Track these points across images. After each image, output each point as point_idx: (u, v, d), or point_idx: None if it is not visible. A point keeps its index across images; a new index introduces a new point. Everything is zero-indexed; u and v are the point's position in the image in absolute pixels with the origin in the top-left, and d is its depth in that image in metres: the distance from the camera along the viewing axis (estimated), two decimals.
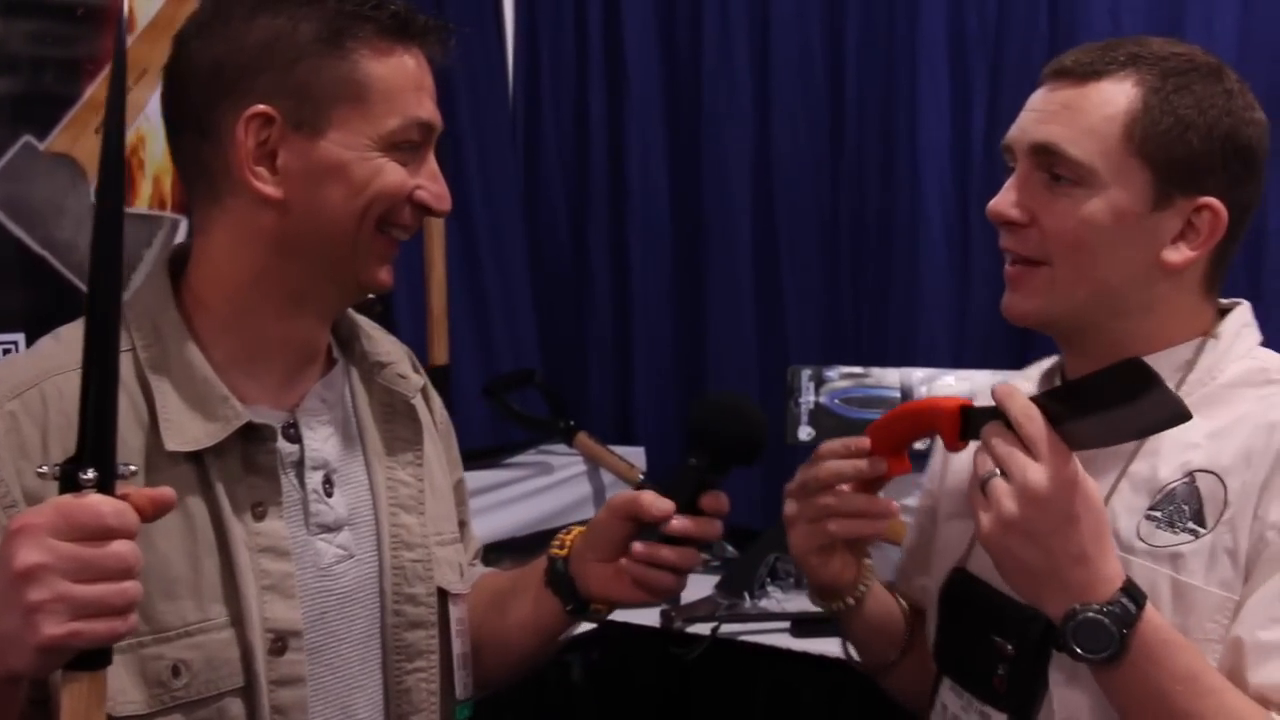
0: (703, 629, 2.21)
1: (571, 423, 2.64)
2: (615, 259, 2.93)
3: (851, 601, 1.22)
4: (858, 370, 2.52)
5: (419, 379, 1.22)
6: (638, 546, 1.17)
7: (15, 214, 1.88)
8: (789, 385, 2.51)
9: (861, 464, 1.12)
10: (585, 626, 2.17)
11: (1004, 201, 1.11)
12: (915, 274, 2.58)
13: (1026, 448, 0.98)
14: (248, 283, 1.08)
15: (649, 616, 2.29)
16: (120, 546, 0.83)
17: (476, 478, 2.45)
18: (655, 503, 1.17)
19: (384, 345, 1.21)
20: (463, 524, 1.31)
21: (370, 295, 1.10)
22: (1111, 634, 0.97)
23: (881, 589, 1.26)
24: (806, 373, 2.50)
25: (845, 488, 1.14)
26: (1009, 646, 1.07)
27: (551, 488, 2.57)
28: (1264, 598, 1.00)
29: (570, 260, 2.98)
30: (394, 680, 1.13)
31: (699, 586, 2.39)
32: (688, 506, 1.17)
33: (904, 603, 1.29)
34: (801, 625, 2.18)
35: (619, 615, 2.21)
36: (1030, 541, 0.97)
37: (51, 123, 1.89)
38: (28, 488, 0.99)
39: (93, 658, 0.83)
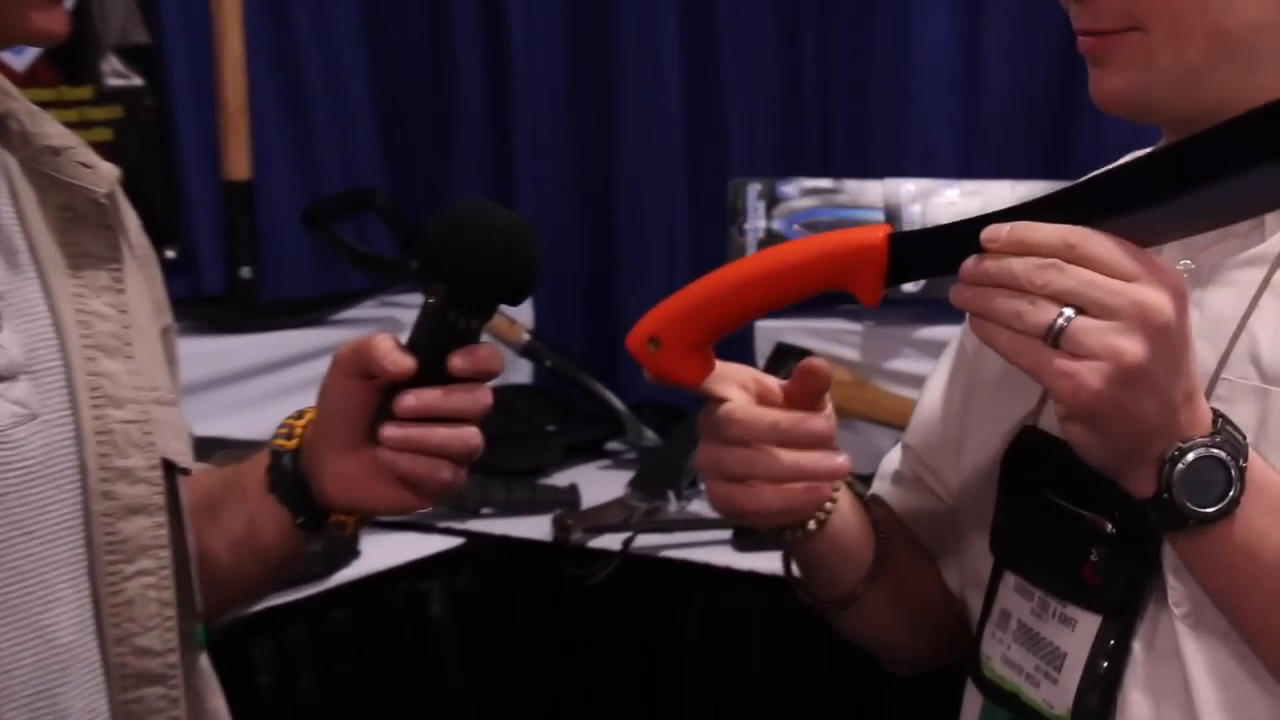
0: (611, 542, 2.24)
1: None
2: (488, 29, 2.93)
3: (812, 526, 1.20)
4: (826, 184, 2.55)
5: (111, 169, 1.18)
6: (389, 429, 1.16)
7: None
8: (730, 205, 2.53)
9: (783, 420, 1.11)
10: (416, 546, 2.25)
11: None
12: (905, 43, 2.59)
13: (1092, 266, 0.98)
14: None
15: (535, 527, 2.30)
16: None
17: (294, 340, 2.52)
18: (389, 355, 1.14)
19: (53, 125, 1.17)
20: None
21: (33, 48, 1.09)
22: (1226, 469, 1.00)
23: (850, 500, 1.24)
24: (755, 187, 2.53)
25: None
26: (1107, 524, 1.10)
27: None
28: None
29: (425, 30, 2.97)
30: (107, 587, 1.11)
31: (605, 484, 2.41)
32: (434, 366, 1.15)
33: (879, 513, 1.29)
34: (746, 535, 2.19)
35: (493, 525, 2.35)
36: (1152, 390, 0.98)
37: None
38: None
39: None
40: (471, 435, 1.17)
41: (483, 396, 1.17)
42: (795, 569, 1.28)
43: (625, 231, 2.88)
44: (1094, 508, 1.10)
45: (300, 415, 1.23)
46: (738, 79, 2.77)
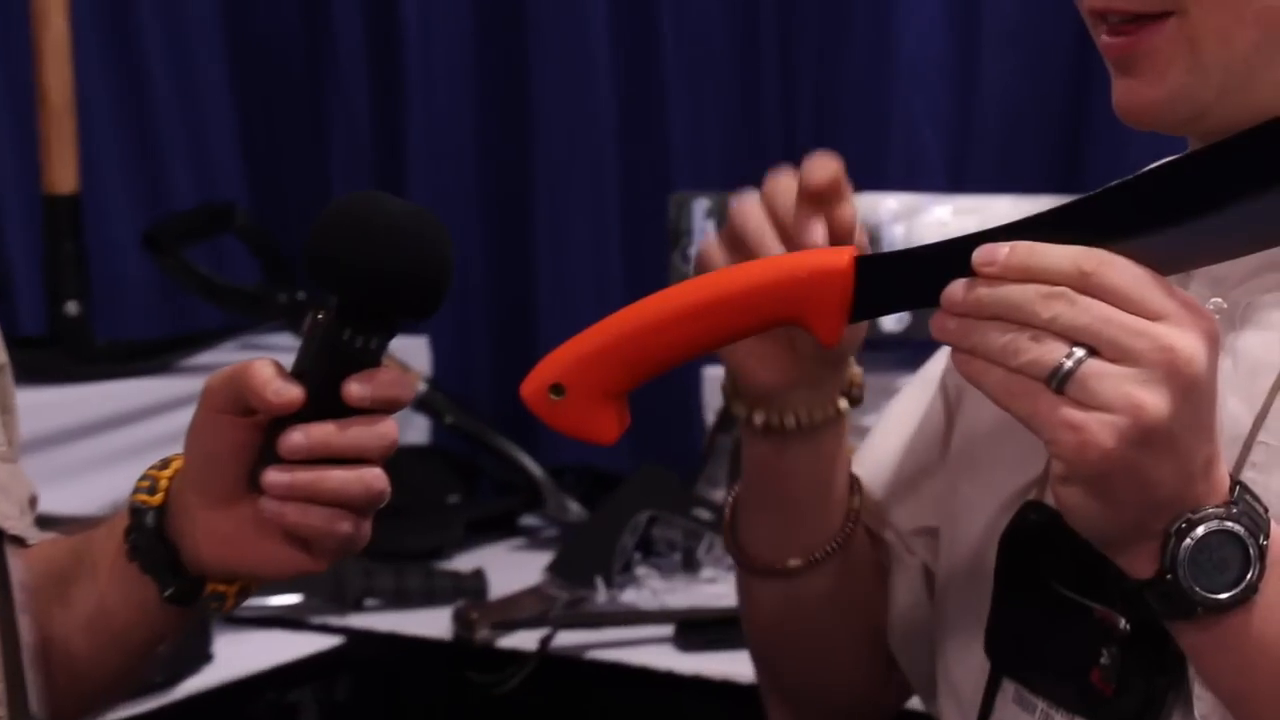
0: (526, 641, 2.22)
1: (301, 295, 2.64)
2: (375, 9, 2.94)
3: (774, 421, 1.23)
4: None
5: None
6: (273, 474, 1.15)
7: None
8: (672, 225, 2.52)
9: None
10: (283, 646, 2.24)
11: None
12: (885, 28, 2.63)
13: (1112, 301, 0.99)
14: None
15: (431, 622, 2.29)
16: None
17: (133, 391, 2.49)
18: (271, 384, 1.13)
19: None
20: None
21: None
22: (1243, 546, 1.01)
23: (846, 429, 1.28)
24: (702, 204, 2.50)
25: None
26: (1120, 620, 1.10)
27: None
28: None
29: (297, 10, 2.98)
30: None
31: (518, 569, 2.42)
32: (326, 395, 1.14)
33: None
34: (691, 631, 2.20)
35: (379, 620, 2.34)
36: (1171, 453, 0.99)
37: None
38: None
39: None
40: (374, 478, 1.16)
41: (386, 430, 1.16)
42: (738, 511, 1.31)
43: (544, 258, 2.87)
44: (1105, 599, 1.11)
45: (165, 464, 1.23)
46: (682, 71, 2.80)
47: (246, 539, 1.19)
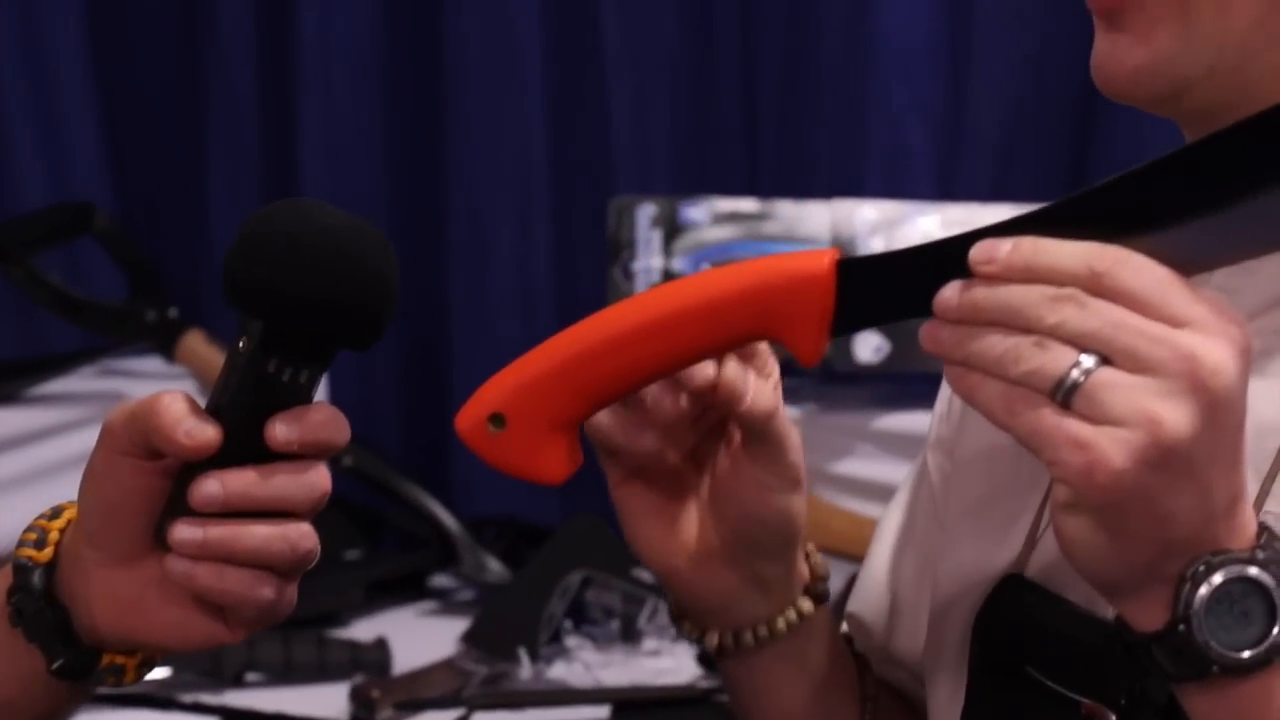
0: None
1: (173, 312, 2.66)
2: None
3: (728, 641, 1.25)
4: (749, 206, 2.60)
5: None
6: (182, 529, 1.14)
7: None
8: (611, 235, 2.57)
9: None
10: None
11: None
12: (864, 9, 2.65)
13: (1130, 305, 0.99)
14: None
15: (325, 700, 2.28)
16: None
17: None
18: (182, 423, 1.13)
19: None
20: None
21: None
22: (1269, 598, 1.00)
23: (827, 619, 1.29)
24: (647, 211, 2.56)
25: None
26: (1110, 715, 1.10)
27: None
28: None
29: None
30: None
31: (428, 638, 2.42)
32: (247, 437, 1.13)
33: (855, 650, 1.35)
34: (630, 713, 2.18)
35: (262, 698, 2.30)
36: (1190, 479, 0.98)
37: None
38: None
39: None
40: (301, 535, 1.15)
41: (317, 479, 1.16)
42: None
43: (460, 274, 2.90)
44: (1092, 691, 1.11)
45: (56, 514, 1.23)
46: (623, 54, 2.83)
47: (150, 603, 1.18)
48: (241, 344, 1.13)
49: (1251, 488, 1.09)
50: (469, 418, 1.10)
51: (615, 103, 2.80)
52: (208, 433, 1.13)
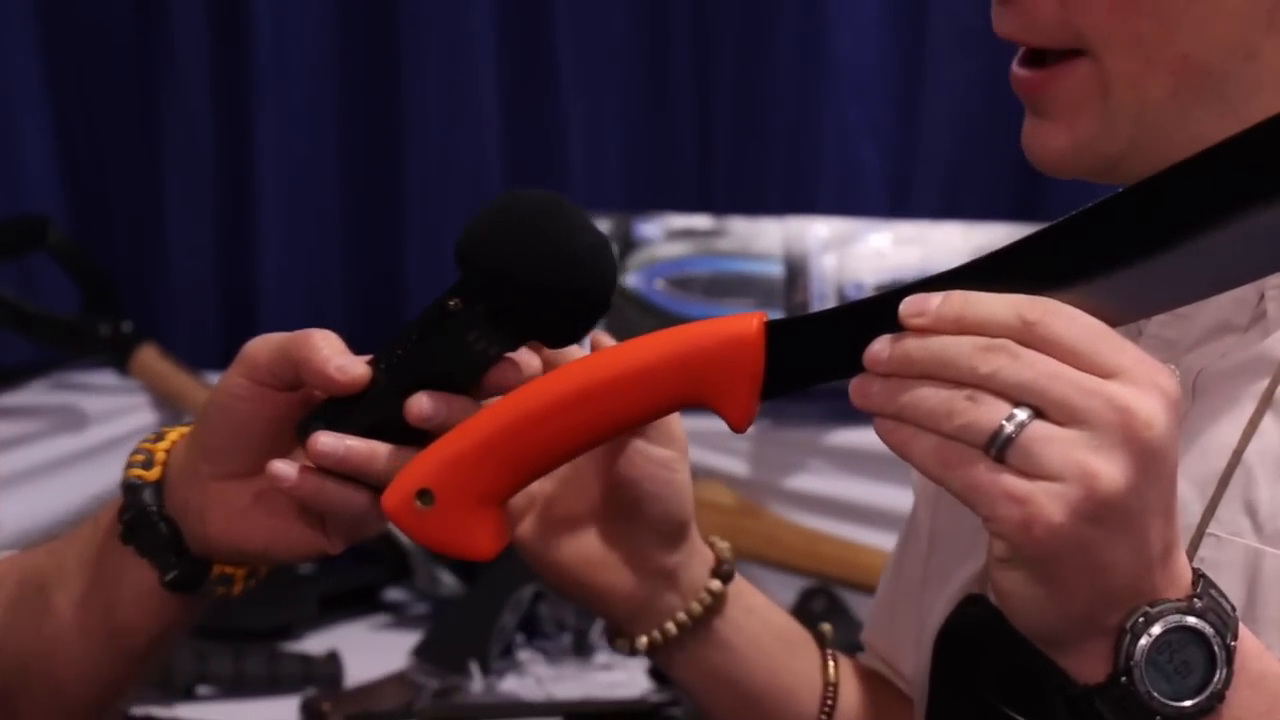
0: None
1: (127, 325, 2.68)
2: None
3: (655, 637, 1.27)
4: (704, 223, 2.60)
5: None
6: (323, 439, 1.16)
7: None
8: None
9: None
10: None
11: None
12: (818, 26, 2.66)
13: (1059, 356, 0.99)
14: None
15: (276, 713, 2.28)
16: None
17: None
18: (334, 359, 1.16)
19: None
20: None
21: None
22: (1209, 647, 1.01)
23: (767, 604, 1.32)
24: (602, 227, 2.56)
25: None
26: None
27: (86, 457, 2.61)
28: None
29: (130, 2, 2.99)
30: None
31: (380, 652, 2.42)
32: (397, 392, 1.15)
33: (838, 665, 1.36)
34: None
35: (212, 712, 2.32)
36: (1126, 532, 0.99)
37: None
38: None
39: None
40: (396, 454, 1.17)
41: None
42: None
43: (417, 288, 2.91)
44: (1044, 715, 1.10)
45: (160, 437, 1.26)
46: (577, 70, 2.84)
47: (259, 515, 1.21)
48: (452, 304, 1.15)
49: (1196, 508, 1.12)
50: (396, 495, 1.11)
51: (570, 119, 2.81)
52: (359, 368, 1.16)
